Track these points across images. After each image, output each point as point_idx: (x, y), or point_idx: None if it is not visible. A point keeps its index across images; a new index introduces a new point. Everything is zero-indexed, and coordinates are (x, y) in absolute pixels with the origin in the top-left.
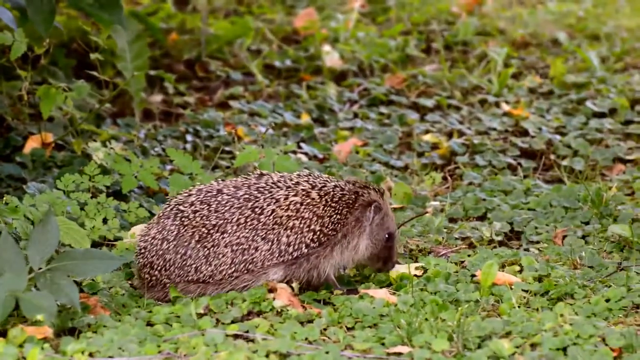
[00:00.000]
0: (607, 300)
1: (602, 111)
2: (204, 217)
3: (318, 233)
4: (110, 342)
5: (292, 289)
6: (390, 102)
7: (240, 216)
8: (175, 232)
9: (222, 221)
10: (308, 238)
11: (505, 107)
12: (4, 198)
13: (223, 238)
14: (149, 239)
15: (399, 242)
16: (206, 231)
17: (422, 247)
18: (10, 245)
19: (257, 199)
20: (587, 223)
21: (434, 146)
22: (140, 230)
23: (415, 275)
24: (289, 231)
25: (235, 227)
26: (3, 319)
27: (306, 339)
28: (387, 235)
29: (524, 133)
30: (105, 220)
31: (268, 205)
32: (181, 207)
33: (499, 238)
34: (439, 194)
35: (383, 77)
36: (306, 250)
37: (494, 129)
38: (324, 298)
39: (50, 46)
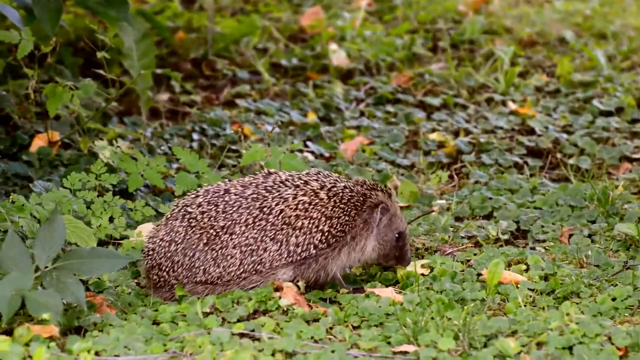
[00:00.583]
0: (614, 299)
1: (609, 110)
2: (212, 218)
3: (326, 234)
4: (117, 341)
5: (298, 287)
6: (397, 101)
7: (248, 216)
8: (183, 234)
9: (230, 222)
10: (316, 239)
11: (512, 106)
12: (11, 196)
13: (232, 239)
14: (157, 241)
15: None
16: (214, 233)
17: (428, 245)
18: (16, 244)
19: (265, 199)
20: (593, 222)
21: (441, 145)
22: (149, 232)
23: (422, 274)
24: (297, 231)
25: (243, 228)
26: (9, 318)
27: (312, 337)
28: (397, 235)
29: (531, 132)
30: (111, 219)
31: (276, 204)
32: (189, 209)
33: (505, 237)
34: (445, 193)
35: (389, 76)
36: (314, 252)
37: (501, 128)
38: (329, 297)
39: (57, 45)
